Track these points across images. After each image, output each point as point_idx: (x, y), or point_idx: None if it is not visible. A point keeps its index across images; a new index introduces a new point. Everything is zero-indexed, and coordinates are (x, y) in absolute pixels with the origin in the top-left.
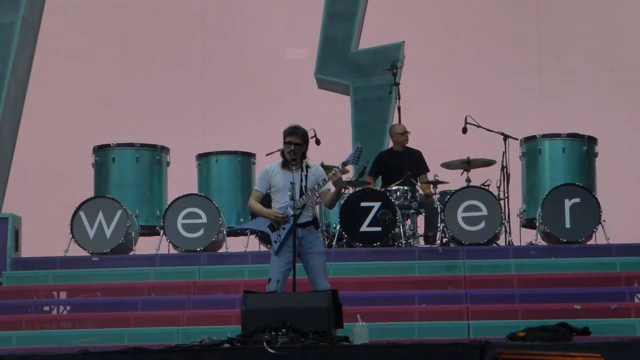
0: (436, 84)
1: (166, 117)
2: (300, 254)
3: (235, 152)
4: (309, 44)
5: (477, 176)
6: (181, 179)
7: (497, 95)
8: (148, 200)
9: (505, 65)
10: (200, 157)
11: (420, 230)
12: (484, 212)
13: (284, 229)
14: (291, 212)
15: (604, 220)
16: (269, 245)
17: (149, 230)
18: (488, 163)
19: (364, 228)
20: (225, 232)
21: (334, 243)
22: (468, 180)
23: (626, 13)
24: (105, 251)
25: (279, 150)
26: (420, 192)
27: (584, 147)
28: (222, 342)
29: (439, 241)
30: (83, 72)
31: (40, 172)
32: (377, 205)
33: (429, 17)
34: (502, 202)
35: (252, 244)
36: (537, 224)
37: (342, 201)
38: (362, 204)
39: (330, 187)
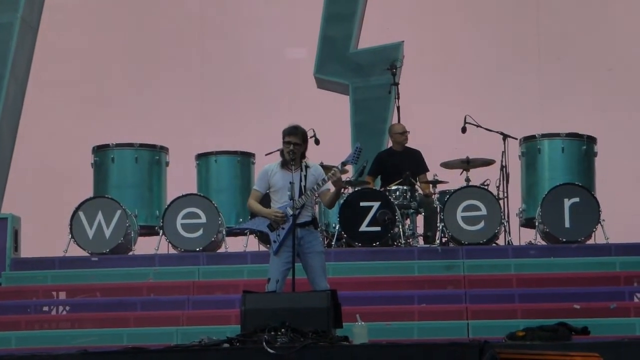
0: (436, 84)
1: (166, 117)
2: (300, 254)
3: (235, 152)
4: (308, 43)
5: (477, 176)
6: (180, 179)
7: (497, 95)
8: (147, 200)
9: (505, 66)
10: (200, 157)
11: (420, 230)
12: (484, 211)
13: (283, 228)
14: (290, 211)
15: (604, 220)
16: (268, 245)
17: (148, 230)
18: (487, 163)
19: (363, 228)
20: (224, 232)
21: (333, 243)
22: (467, 180)
23: (626, 13)
24: (104, 251)
25: (278, 150)
26: (420, 191)
27: (583, 147)
28: (222, 342)
29: (438, 241)
30: (83, 72)
31: (39, 172)
32: (376, 205)
33: (429, 17)
34: (501, 201)
35: (251, 243)
36: (537, 224)
37: (342, 201)
38: (362, 204)
39: (330, 187)
